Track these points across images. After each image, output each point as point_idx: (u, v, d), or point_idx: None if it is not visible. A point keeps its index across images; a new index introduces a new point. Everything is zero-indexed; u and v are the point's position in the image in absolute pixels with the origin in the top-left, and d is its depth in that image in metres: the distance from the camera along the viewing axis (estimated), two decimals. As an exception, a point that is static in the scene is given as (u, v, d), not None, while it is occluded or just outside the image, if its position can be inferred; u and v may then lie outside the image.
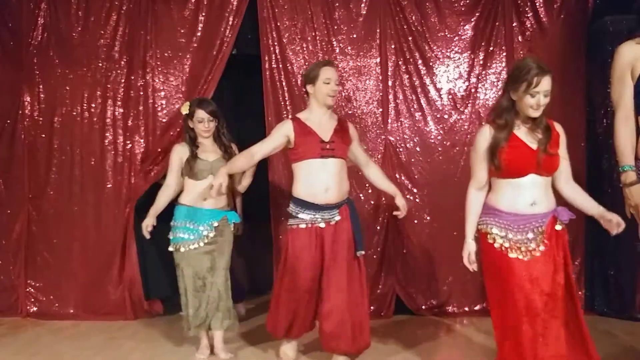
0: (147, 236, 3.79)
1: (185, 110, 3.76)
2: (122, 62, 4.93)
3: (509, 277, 2.69)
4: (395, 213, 3.59)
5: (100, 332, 4.43)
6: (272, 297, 3.59)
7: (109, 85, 4.91)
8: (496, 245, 2.73)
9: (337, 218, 3.38)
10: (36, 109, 4.99)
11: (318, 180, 3.35)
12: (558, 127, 2.80)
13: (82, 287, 4.90)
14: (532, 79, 2.60)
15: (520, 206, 2.71)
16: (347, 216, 3.44)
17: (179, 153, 3.75)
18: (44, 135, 4.96)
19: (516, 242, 2.70)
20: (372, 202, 4.76)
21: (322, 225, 3.36)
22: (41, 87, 4.98)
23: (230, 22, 4.80)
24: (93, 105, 4.94)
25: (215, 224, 3.64)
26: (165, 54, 4.90)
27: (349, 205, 3.49)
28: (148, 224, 3.73)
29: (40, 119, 4.98)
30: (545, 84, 2.62)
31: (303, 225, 3.37)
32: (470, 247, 2.85)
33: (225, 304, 3.70)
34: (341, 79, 4.80)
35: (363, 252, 3.47)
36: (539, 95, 2.63)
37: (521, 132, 2.74)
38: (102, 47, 4.92)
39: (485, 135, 2.77)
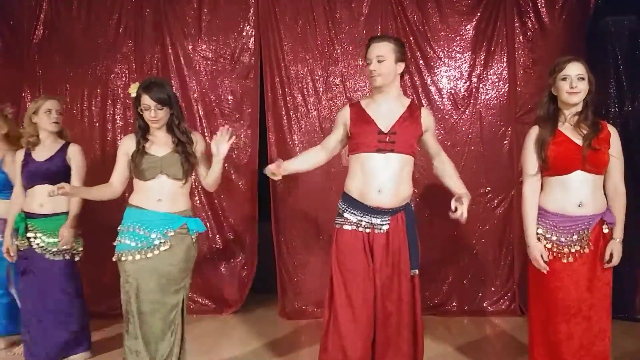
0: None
1: (132, 92, 3.05)
2: (124, 60, 4.92)
3: (549, 278, 2.74)
4: (452, 216, 2.86)
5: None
6: (323, 322, 3.02)
7: (109, 84, 4.91)
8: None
9: (385, 228, 2.88)
10: (37, 106, 4.98)
11: (371, 179, 2.86)
12: (610, 128, 2.84)
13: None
14: (562, 64, 2.78)
15: (568, 207, 2.76)
16: (403, 225, 2.93)
17: (124, 146, 3.10)
18: (44, 133, 4.95)
19: (560, 243, 2.74)
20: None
21: (367, 231, 2.89)
22: (42, 85, 4.96)
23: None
24: (94, 103, 4.94)
25: (171, 233, 2.98)
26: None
27: (406, 213, 2.96)
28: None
29: (41, 116, 4.96)
30: (576, 67, 2.77)
31: (348, 227, 2.92)
32: (537, 248, 2.80)
33: (175, 338, 3.03)
34: (342, 78, 4.81)
35: (417, 271, 2.97)
36: (570, 78, 2.74)
37: (566, 128, 2.81)
38: (103, 45, 4.92)
39: (532, 134, 2.85)
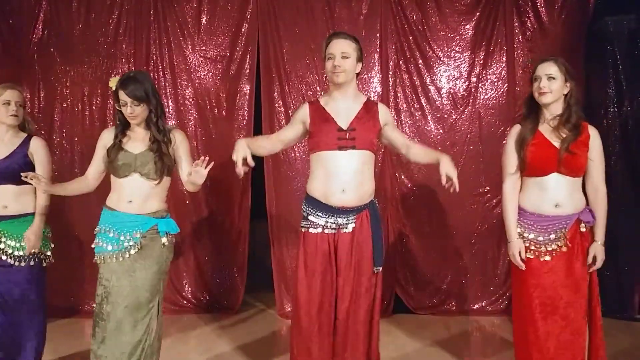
0: None
1: (112, 85, 2.97)
2: (123, 60, 4.93)
3: (527, 276, 2.78)
4: (445, 184, 2.77)
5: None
6: (292, 319, 3.04)
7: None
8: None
9: (351, 227, 2.85)
10: (36, 105, 4.97)
11: (334, 178, 2.82)
12: (592, 130, 2.83)
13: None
14: (536, 65, 2.85)
15: (545, 207, 2.79)
16: (368, 224, 2.90)
17: (104, 140, 2.99)
18: (44, 132, 4.94)
19: (538, 242, 2.77)
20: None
21: (333, 232, 2.86)
22: (41, 83, 4.96)
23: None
24: (94, 102, 4.94)
25: (140, 235, 2.85)
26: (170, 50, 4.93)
27: (370, 211, 2.93)
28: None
29: (40, 115, 4.96)
30: (546, 67, 2.80)
31: (314, 230, 2.87)
32: (516, 246, 2.82)
33: (147, 344, 2.86)
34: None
35: (380, 269, 2.95)
36: (541, 79, 2.79)
37: (546, 129, 2.82)
38: (103, 45, 4.91)
39: (513, 133, 2.90)
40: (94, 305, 2.89)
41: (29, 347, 3.19)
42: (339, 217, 2.84)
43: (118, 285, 2.81)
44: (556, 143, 2.77)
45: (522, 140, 2.81)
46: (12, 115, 3.17)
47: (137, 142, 2.93)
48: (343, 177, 2.81)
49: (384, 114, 3.01)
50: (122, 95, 2.86)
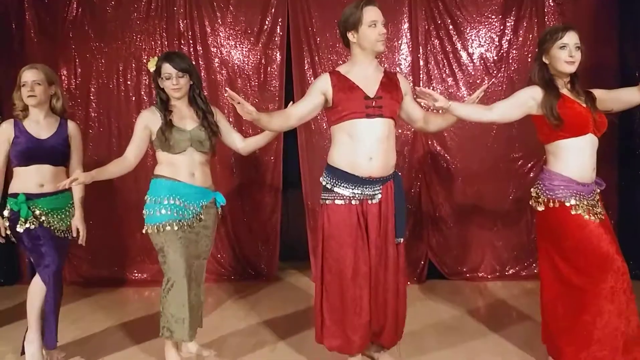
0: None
1: (152, 66, 3.11)
2: (156, 35, 4.99)
3: (592, 236, 2.69)
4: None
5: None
6: (316, 299, 2.96)
7: (143, 58, 4.97)
8: (573, 212, 2.72)
9: (378, 198, 2.81)
10: (73, 82, 5.10)
11: (361, 146, 2.77)
12: (595, 91, 2.81)
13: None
14: (559, 32, 2.72)
15: (586, 172, 2.74)
16: (392, 194, 2.88)
17: (145, 120, 3.03)
18: (81, 108, 5.08)
19: (588, 206, 2.72)
20: (404, 168, 4.78)
21: (358, 203, 2.81)
22: (77, 61, 5.07)
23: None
24: (129, 77, 5.04)
25: (204, 206, 3.07)
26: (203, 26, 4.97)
27: (395, 182, 2.90)
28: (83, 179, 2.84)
29: (77, 91, 5.09)
30: (574, 36, 2.72)
31: (340, 202, 2.81)
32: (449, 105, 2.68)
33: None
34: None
35: (402, 240, 2.95)
36: (569, 47, 2.70)
37: (568, 93, 2.78)
38: (136, 20, 4.99)
39: (533, 92, 2.78)
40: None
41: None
42: (366, 188, 2.80)
43: (188, 250, 3.00)
44: (582, 104, 2.74)
45: (551, 105, 2.70)
46: (30, 96, 3.12)
47: (186, 119, 3.06)
48: (370, 145, 2.77)
49: (404, 83, 2.99)
50: (167, 68, 2.98)
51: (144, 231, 3.01)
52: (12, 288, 4.97)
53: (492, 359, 3.13)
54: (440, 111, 2.74)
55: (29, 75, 3.13)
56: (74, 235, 3.27)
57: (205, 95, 3.13)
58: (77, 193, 3.29)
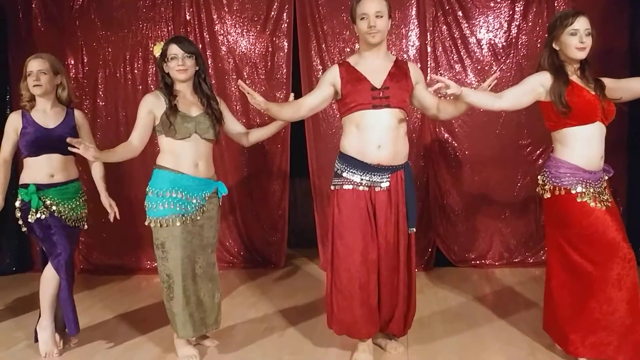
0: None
1: (157, 51, 3.05)
2: (162, 23, 4.99)
3: (598, 223, 2.69)
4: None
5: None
6: (326, 284, 3.00)
7: (150, 46, 4.96)
8: (579, 199, 2.71)
9: (385, 185, 2.84)
10: (80, 71, 5.11)
11: (369, 134, 2.80)
12: (605, 80, 2.79)
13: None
14: (570, 17, 2.69)
15: (593, 160, 2.73)
16: (402, 184, 2.89)
17: (150, 104, 2.98)
18: (89, 97, 5.10)
19: (595, 193, 2.72)
20: (412, 155, 4.75)
21: (367, 189, 2.84)
22: (84, 49, 5.09)
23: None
24: (136, 66, 5.05)
25: (206, 197, 3.02)
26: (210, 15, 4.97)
27: (405, 172, 2.91)
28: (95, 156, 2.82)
29: (85, 80, 5.11)
30: (583, 22, 2.69)
31: (348, 186, 2.85)
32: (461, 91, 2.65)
33: (220, 294, 3.22)
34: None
35: (414, 230, 2.98)
36: (580, 33, 2.67)
37: (577, 80, 2.75)
38: (142, 9, 4.99)
39: (542, 79, 2.76)
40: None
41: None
42: (374, 175, 2.82)
43: (195, 245, 2.99)
44: (591, 91, 2.72)
45: (560, 92, 2.68)
46: (35, 85, 3.12)
47: (191, 105, 3.02)
48: (378, 133, 2.79)
49: (415, 72, 2.98)
50: (174, 49, 2.96)
51: (146, 223, 2.99)
52: (24, 275, 5.06)
53: (499, 346, 3.14)
54: (451, 98, 2.73)
55: (35, 65, 3.14)
56: (109, 211, 3.30)
57: (212, 83, 3.11)
58: (98, 172, 3.33)
